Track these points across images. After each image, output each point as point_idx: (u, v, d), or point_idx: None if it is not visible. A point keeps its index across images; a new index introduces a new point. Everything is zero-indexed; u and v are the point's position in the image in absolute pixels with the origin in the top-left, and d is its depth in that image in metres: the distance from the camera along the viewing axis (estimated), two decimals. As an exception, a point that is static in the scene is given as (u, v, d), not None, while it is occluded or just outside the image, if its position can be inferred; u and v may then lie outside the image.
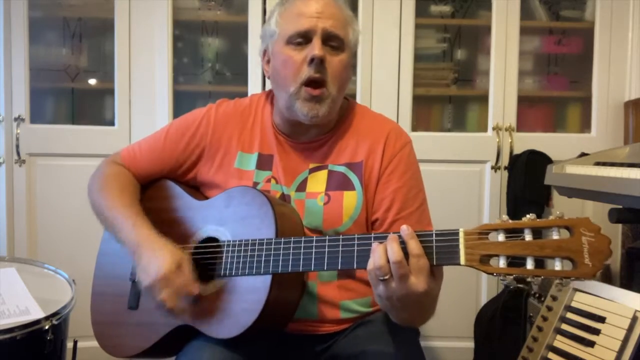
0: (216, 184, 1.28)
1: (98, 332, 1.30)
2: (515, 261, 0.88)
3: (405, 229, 0.94)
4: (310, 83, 1.17)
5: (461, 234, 0.92)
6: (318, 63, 1.16)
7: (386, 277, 0.92)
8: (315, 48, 1.16)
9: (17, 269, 1.52)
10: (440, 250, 0.93)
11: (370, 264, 0.94)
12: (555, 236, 0.86)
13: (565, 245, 0.86)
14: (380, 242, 0.95)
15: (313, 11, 1.18)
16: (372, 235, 1.00)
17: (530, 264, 0.87)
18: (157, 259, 1.09)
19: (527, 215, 0.89)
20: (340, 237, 1.02)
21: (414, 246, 0.92)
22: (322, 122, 1.23)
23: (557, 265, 0.86)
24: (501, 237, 0.89)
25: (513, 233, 0.89)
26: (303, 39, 1.18)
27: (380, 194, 1.23)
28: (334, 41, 1.19)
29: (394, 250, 0.92)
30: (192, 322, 1.13)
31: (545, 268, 0.87)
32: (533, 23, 2.35)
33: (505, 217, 0.90)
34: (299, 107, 1.19)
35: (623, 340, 1.35)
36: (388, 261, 0.92)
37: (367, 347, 1.15)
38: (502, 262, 0.88)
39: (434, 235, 0.94)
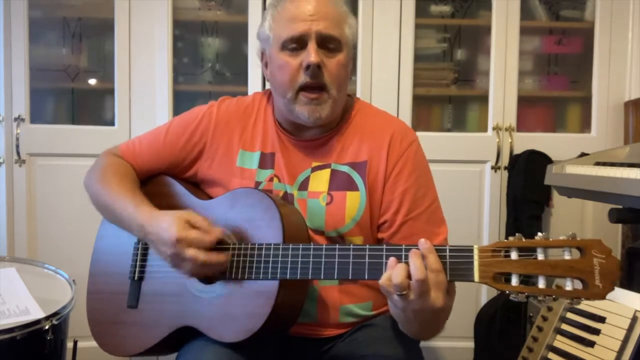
0: (217, 182, 1.27)
1: (96, 330, 1.28)
2: (527, 279, 0.89)
3: (423, 243, 0.93)
4: (306, 88, 1.16)
5: (475, 251, 0.92)
6: (314, 69, 1.14)
7: (404, 293, 0.92)
8: (311, 55, 1.14)
9: (17, 269, 1.52)
10: (454, 267, 0.93)
11: (386, 279, 0.93)
12: (567, 256, 0.88)
13: (576, 266, 0.87)
14: (397, 257, 0.94)
15: (306, 14, 1.15)
16: (384, 247, 0.99)
17: (542, 283, 0.88)
18: (164, 227, 1.08)
19: (539, 234, 0.90)
20: (351, 246, 1.01)
21: (433, 261, 0.92)
22: (325, 122, 1.22)
23: (568, 285, 0.87)
24: (514, 255, 0.90)
25: (525, 251, 0.90)
26: (297, 44, 1.16)
27: (388, 196, 1.20)
28: (330, 42, 1.17)
29: (417, 267, 0.91)
30: (196, 324, 1.13)
31: (553, 285, 0.88)
32: (533, 23, 2.35)
33: (518, 235, 0.91)
34: (299, 111, 1.17)
35: (623, 340, 1.35)
36: (407, 277, 0.91)
37: (367, 352, 1.15)
38: (514, 281, 0.89)
39: (447, 250, 0.94)
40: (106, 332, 1.27)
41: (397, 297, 0.93)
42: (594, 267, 0.86)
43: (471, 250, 0.92)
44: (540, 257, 0.88)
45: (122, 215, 1.19)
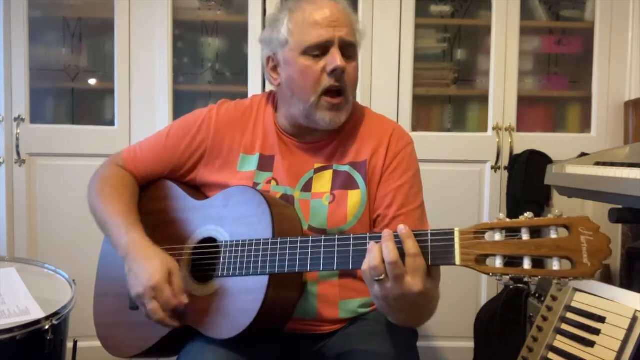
0: (217, 185, 1.28)
1: (100, 332, 1.30)
2: (512, 261, 0.86)
3: (402, 228, 0.92)
4: (329, 92, 1.19)
5: (456, 234, 0.90)
6: (339, 74, 1.18)
7: (381, 277, 0.91)
8: (337, 59, 1.17)
9: (17, 269, 1.52)
10: (435, 250, 0.92)
11: (365, 264, 0.93)
12: (553, 235, 0.85)
13: (563, 245, 0.84)
14: (377, 242, 0.93)
15: (328, 20, 1.18)
16: (368, 235, 0.99)
17: (527, 264, 0.85)
18: (148, 268, 1.10)
19: (525, 214, 0.87)
20: (336, 237, 1.01)
21: (411, 245, 0.91)
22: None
23: (555, 265, 0.84)
24: (498, 237, 0.87)
25: (510, 232, 0.87)
26: (320, 50, 1.19)
27: (382, 190, 1.23)
28: (349, 50, 1.20)
29: (389, 249, 0.91)
30: (192, 322, 1.14)
31: (543, 268, 0.86)
32: (533, 23, 2.35)
33: (501, 215, 0.89)
34: (321, 117, 1.20)
35: (623, 340, 1.35)
36: (383, 261, 0.91)
37: (359, 346, 1.15)
38: (498, 262, 0.86)
39: (429, 234, 0.92)
40: (110, 334, 1.29)
41: (376, 287, 0.93)
42: (582, 245, 0.83)
43: (452, 233, 0.90)
44: (525, 237, 0.85)
45: (112, 236, 1.22)
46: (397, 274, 0.90)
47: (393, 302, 0.94)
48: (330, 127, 1.21)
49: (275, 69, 1.26)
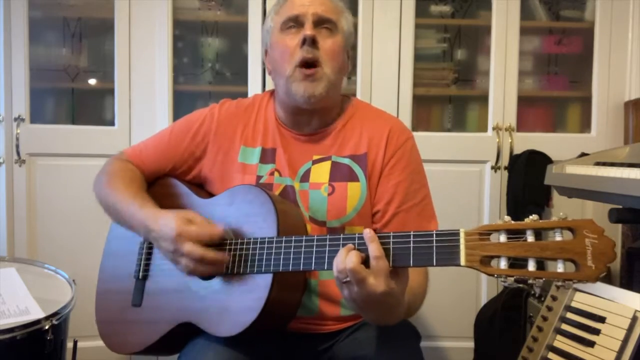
0: (220, 179, 1.30)
1: (102, 329, 1.31)
2: (517, 262, 0.86)
3: (367, 232, 0.95)
4: (303, 64, 1.20)
5: (462, 235, 0.91)
6: (310, 42, 1.19)
7: (347, 279, 0.93)
8: (307, 28, 1.20)
9: (17, 269, 1.52)
10: (440, 251, 0.92)
11: (334, 269, 0.95)
12: (558, 237, 0.85)
13: (567, 247, 0.84)
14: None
15: (304, 1, 1.23)
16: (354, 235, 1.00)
17: (531, 266, 0.85)
18: (165, 225, 1.12)
19: (530, 217, 0.87)
20: (341, 236, 1.02)
21: (374, 248, 0.93)
22: (320, 105, 1.24)
23: (560, 267, 0.84)
24: (502, 238, 0.88)
25: (515, 234, 0.88)
26: (295, 23, 1.23)
27: (382, 186, 1.24)
28: (326, 24, 1.23)
29: (351, 258, 0.93)
30: (194, 319, 1.14)
31: (547, 270, 0.86)
32: (533, 23, 2.35)
33: (507, 217, 0.89)
34: (295, 89, 1.21)
35: (623, 340, 1.35)
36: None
37: (366, 352, 1.15)
38: (503, 264, 0.87)
39: (434, 235, 0.93)
40: (112, 331, 1.29)
41: (345, 290, 0.95)
42: (586, 247, 0.83)
43: (457, 234, 0.91)
44: (530, 239, 0.86)
45: (127, 215, 1.23)
46: (359, 278, 0.92)
47: (361, 303, 0.96)
48: (305, 99, 1.21)
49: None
